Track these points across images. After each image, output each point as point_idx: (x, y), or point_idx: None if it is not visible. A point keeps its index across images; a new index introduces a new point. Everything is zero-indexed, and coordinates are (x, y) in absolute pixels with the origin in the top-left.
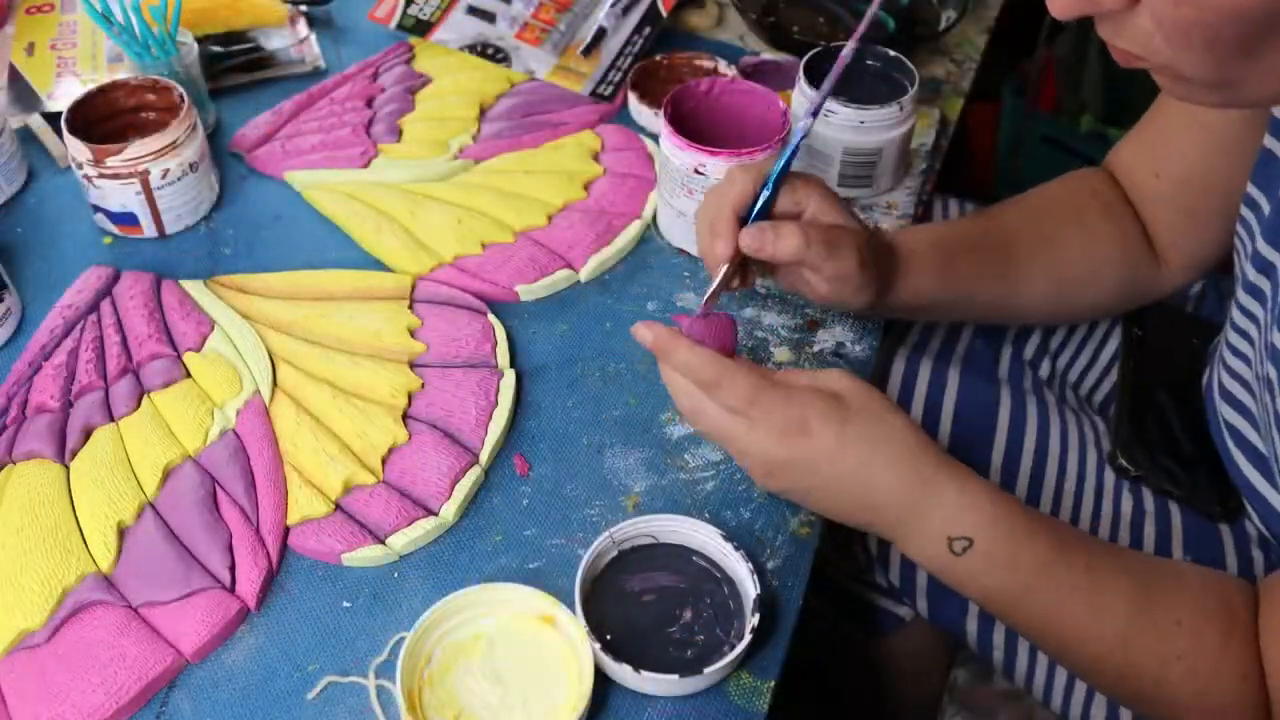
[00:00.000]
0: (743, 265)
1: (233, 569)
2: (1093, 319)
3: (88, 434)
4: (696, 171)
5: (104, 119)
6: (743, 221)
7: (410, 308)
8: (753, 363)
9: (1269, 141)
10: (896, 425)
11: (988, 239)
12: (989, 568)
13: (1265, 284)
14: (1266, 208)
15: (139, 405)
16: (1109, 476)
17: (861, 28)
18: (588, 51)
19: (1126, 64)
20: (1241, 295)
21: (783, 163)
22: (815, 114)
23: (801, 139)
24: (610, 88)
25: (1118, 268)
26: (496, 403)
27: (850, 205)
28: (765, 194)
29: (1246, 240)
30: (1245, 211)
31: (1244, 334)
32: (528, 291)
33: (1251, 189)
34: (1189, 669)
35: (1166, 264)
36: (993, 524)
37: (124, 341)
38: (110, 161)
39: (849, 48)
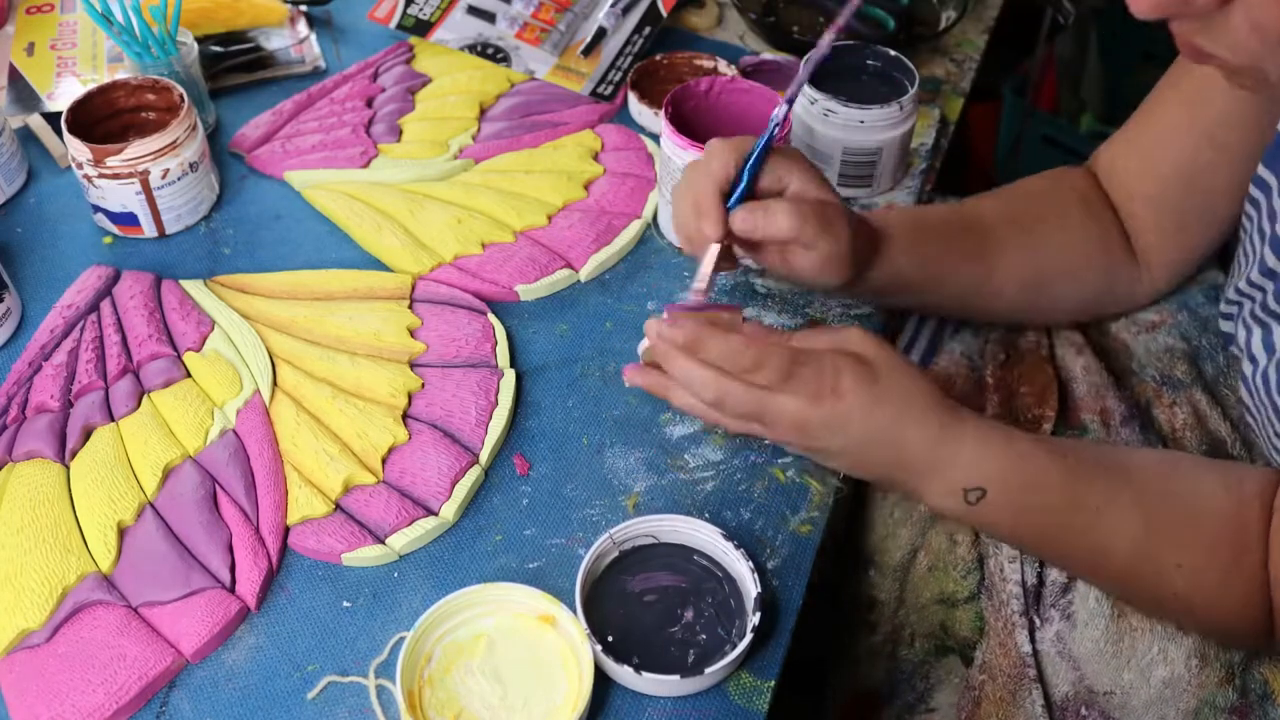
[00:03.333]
0: (727, 246)
1: (233, 569)
2: (1065, 321)
3: (88, 434)
4: None
5: (104, 119)
6: (725, 198)
7: (410, 308)
8: (773, 334)
9: None
10: (921, 385)
11: (965, 222)
12: (999, 518)
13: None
14: (1277, 188)
15: (139, 405)
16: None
17: (841, 19)
18: (588, 51)
19: (1197, 60)
20: (1255, 275)
21: (765, 139)
22: (793, 100)
23: (785, 114)
24: (610, 88)
25: (1098, 266)
26: (496, 402)
27: (848, 204)
28: (747, 173)
29: (1255, 218)
30: (1255, 192)
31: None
32: (528, 291)
33: (1263, 170)
34: (1185, 606)
35: (1147, 269)
36: (1004, 476)
37: (124, 341)
38: (110, 161)
39: (827, 38)
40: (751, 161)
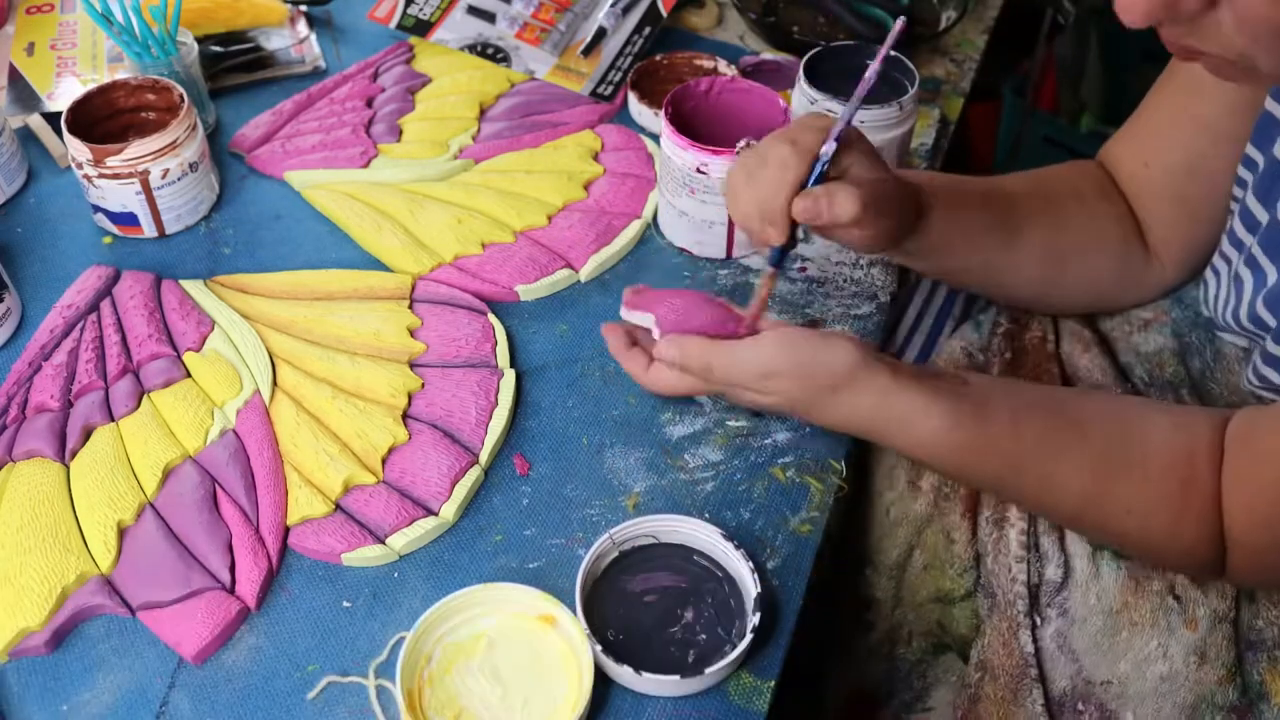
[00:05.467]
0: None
1: (233, 569)
2: (1077, 308)
3: (88, 434)
4: (699, 171)
5: (104, 119)
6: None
7: (410, 308)
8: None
9: (1269, 104)
10: (860, 410)
11: (996, 193)
12: (941, 472)
13: (1248, 237)
14: (1262, 164)
15: (139, 405)
16: None
17: (886, 47)
18: (588, 51)
19: (1187, 59)
20: (1226, 247)
21: (828, 155)
22: (840, 136)
23: (846, 123)
24: (610, 88)
25: (1114, 249)
26: (496, 402)
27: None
28: (816, 172)
29: (1242, 197)
30: (1243, 171)
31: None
32: (528, 291)
33: (1250, 149)
34: (1135, 545)
35: (1158, 260)
36: (943, 455)
37: (124, 341)
38: (110, 161)
39: (874, 68)
40: (819, 167)
